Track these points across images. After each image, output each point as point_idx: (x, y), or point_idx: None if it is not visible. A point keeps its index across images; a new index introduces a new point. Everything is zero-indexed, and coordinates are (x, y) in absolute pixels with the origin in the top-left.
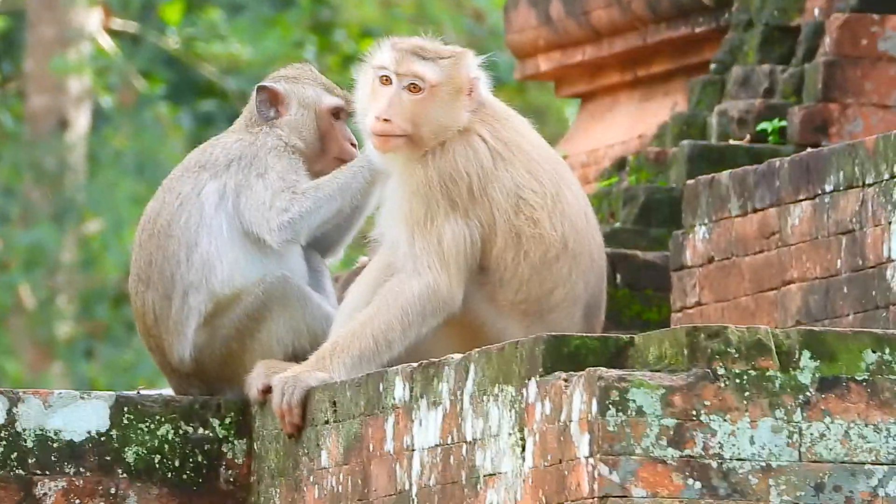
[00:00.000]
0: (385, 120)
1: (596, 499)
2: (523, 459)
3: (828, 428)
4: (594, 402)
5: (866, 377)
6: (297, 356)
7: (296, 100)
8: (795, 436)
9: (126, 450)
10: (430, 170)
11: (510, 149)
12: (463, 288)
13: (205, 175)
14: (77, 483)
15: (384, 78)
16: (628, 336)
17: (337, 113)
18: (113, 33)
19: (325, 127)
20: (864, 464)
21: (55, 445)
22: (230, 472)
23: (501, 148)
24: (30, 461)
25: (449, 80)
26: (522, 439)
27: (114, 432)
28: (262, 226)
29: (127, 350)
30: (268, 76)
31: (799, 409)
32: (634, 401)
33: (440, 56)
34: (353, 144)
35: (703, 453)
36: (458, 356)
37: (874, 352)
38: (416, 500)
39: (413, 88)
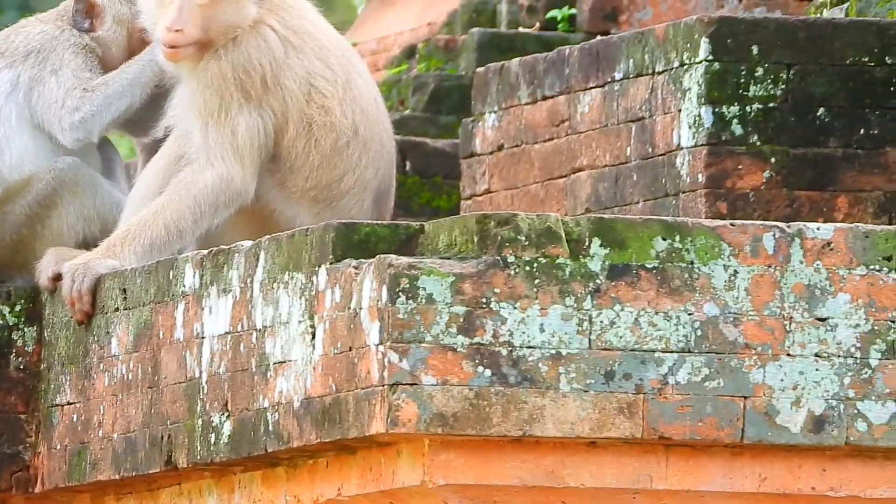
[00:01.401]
0: (177, 31)
1: (385, 386)
2: (313, 347)
3: (618, 315)
4: (384, 289)
5: (656, 265)
6: (88, 243)
7: (111, 14)
8: (585, 323)
9: None
10: (224, 63)
11: (300, 37)
12: (256, 179)
13: (0, 63)
14: None
15: None
16: (418, 224)
17: None
18: None
19: (135, 45)
20: (655, 351)
21: None
22: (20, 359)
23: (292, 36)
24: None
25: None
26: (312, 327)
27: None
28: (54, 125)
29: None
30: None
31: (589, 296)
32: (424, 288)
33: None
34: None
35: (494, 341)
36: (248, 243)
37: (664, 239)
38: (205, 388)
39: None
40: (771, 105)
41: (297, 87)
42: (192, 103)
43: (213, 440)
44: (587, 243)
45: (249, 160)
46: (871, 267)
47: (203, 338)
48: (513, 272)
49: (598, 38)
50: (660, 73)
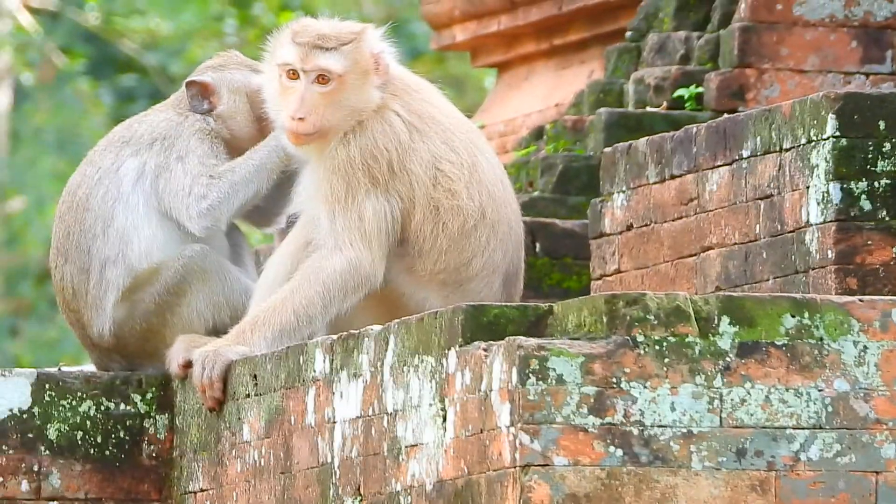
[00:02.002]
0: (300, 119)
1: (518, 468)
2: (444, 430)
3: (748, 393)
4: (514, 371)
5: (785, 342)
6: (218, 330)
7: (225, 87)
8: (716, 401)
9: (48, 427)
10: (351, 149)
11: (424, 121)
12: (384, 263)
13: (126, 151)
14: (0, 461)
15: (291, 72)
16: (547, 304)
17: None
18: (32, 10)
19: (260, 106)
20: (786, 428)
21: None
22: (152, 447)
23: (416, 121)
24: None
25: (355, 64)
26: (443, 409)
27: (35, 409)
28: (181, 212)
29: (51, 327)
30: (196, 69)
31: (719, 374)
32: (554, 369)
33: (342, 42)
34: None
35: (624, 420)
36: (377, 327)
37: (793, 316)
38: (338, 472)
39: (321, 80)
40: None
41: (423, 171)
42: (319, 189)
43: None
44: (716, 321)
45: (377, 245)
46: None
47: (334, 422)
48: (642, 351)
49: (726, 116)
50: (787, 149)
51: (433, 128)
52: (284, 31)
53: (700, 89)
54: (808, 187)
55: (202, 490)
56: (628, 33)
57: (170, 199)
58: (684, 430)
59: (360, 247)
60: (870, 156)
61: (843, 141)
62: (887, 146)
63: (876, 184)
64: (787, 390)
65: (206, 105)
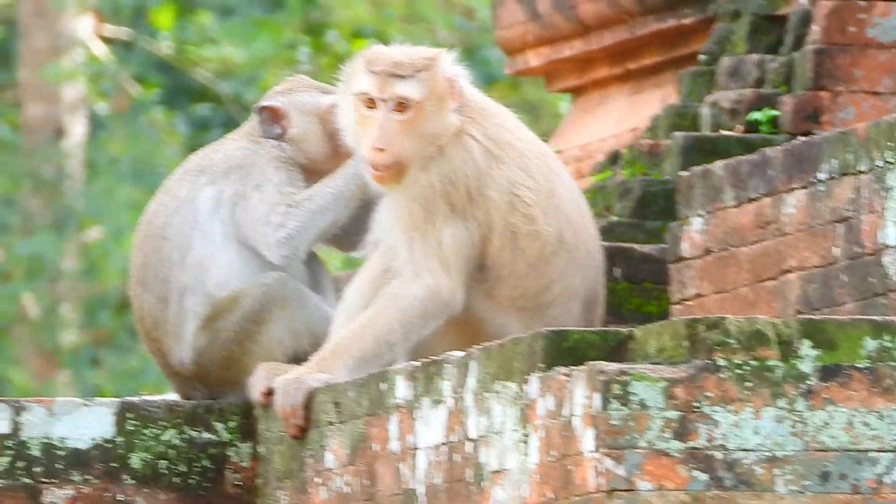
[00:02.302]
0: (380, 149)
1: (602, 493)
2: (527, 455)
3: (831, 416)
4: (596, 396)
5: (867, 364)
6: (299, 357)
7: (295, 110)
8: (799, 425)
9: (132, 456)
10: (432, 175)
11: (501, 147)
12: (464, 289)
13: (203, 179)
14: (84, 490)
15: (368, 101)
16: (627, 329)
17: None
18: (105, 40)
19: (331, 127)
20: (869, 451)
21: (61, 453)
22: (236, 475)
23: (492, 146)
24: (36, 470)
25: (431, 90)
26: (526, 435)
27: (119, 439)
28: (259, 241)
29: (132, 356)
30: (264, 95)
31: (801, 398)
32: (636, 394)
33: (417, 68)
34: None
35: (708, 444)
36: (458, 354)
37: (874, 339)
38: (422, 499)
39: (400, 108)
40: None
41: (501, 196)
42: (397, 216)
43: None
44: (797, 345)
45: (456, 271)
46: None
47: (417, 449)
48: (724, 375)
49: (801, 138)
50: (863, 172)
51: (509, 153)
52: (358, 60)
53: (774, 112)
54: (884, 209)
55: None
56: (701, 57)
57: (247, 228)
58: (768, 454)
59: (440, 273)
60: None
61: None
62: None
63: None
64: (869, 413)
65: (278, 129)
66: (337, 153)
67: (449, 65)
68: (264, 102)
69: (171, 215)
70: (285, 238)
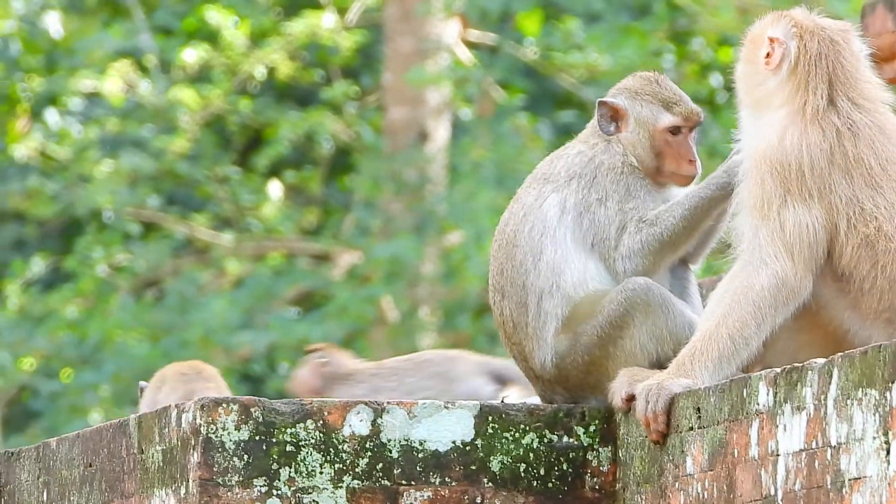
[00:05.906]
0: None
1: None
2: (888, 463)
3: None
4: None
5: None
6: (661, 363)
7: (634, 117)
8: None
9: (491, 459)
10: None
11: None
12: (811, 278)
13: (548, 187)
14: (443, 493)
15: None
16: None
17: (675, 131)
18: (470, 45)
19: (660, 146)
20: None
21: (420, 455)
22: (595, 479)
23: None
24: (395, 471)
25: None
26: (887, 443)
27: (478, 441)
28: (606, 255)
29: None
30: (615, 86)
31: None
32: None
33: None
34: (690, 161)
35: None
36: (821, 361)
37: None
38: None
39: None
40: None
41: (843, 203)
42: (744, 203)
43: None
44: None
45: (799, 256)
46: None
47: (778, 455)
48: None
49: None
50: None
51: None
52: None
53: None
54: None
55: None
56: None
57: (594, 238)
58: None
59: (784, 258)
60: None
61: None
62: None
63: None
64: None
65: (613, 128)
66: (659, 173)
67: None
68: (607, 99)
69: (520, 223)
70: (630, 255)
